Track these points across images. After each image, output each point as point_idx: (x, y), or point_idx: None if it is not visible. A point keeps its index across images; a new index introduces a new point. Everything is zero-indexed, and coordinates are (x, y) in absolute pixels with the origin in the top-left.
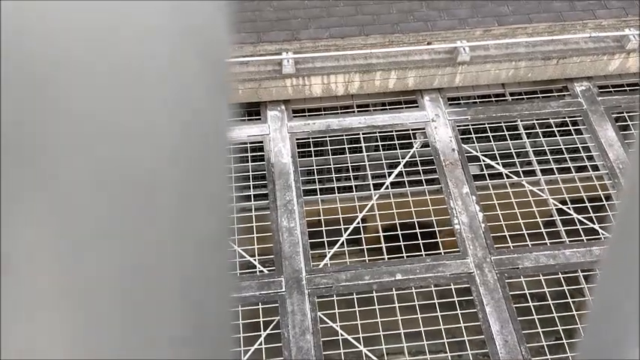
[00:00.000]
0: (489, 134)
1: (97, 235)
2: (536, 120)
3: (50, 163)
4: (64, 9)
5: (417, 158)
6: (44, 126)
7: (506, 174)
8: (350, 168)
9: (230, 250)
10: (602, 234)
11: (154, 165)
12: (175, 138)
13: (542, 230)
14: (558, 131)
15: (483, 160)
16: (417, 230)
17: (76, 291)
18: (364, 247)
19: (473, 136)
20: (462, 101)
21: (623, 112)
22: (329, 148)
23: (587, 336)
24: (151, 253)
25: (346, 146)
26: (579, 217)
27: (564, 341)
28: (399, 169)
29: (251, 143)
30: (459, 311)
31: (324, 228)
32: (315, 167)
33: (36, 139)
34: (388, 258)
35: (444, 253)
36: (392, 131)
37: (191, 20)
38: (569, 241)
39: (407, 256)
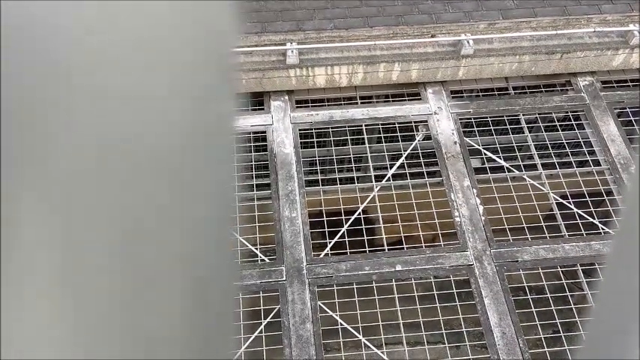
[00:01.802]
0: (491, 128)
1: (97, 232)
2: (539, 114)
3: (48, 163)
4: (69, 5)
5: (419, 151)
6: (43, 126)
7: (507, 167)
8: (352, 159)
9: (231, 239)
10: (602, 229)
11: (157, 157)
12: (180, 128)
13: (542, 224)
14: (560, 126)
15: (485, 154)
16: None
17: (77, 289)
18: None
19: (475, 129)
20: (464, 94)
21: (625, 108)
22: (331, 139)
23: (589, 334)
24: (153, 247)
25: (349, 137)
26: (579, 211)
27: (562, 334)
28: (400, 161)
29: (254, 133)
30: (457, 303)
31: (325, 219)
32: (317, 158)
33: (35, 138)
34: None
35: (444, 245)
36: (394, 123)
37: (198, 12)
38: (569, 235)
39: (407, 248)
